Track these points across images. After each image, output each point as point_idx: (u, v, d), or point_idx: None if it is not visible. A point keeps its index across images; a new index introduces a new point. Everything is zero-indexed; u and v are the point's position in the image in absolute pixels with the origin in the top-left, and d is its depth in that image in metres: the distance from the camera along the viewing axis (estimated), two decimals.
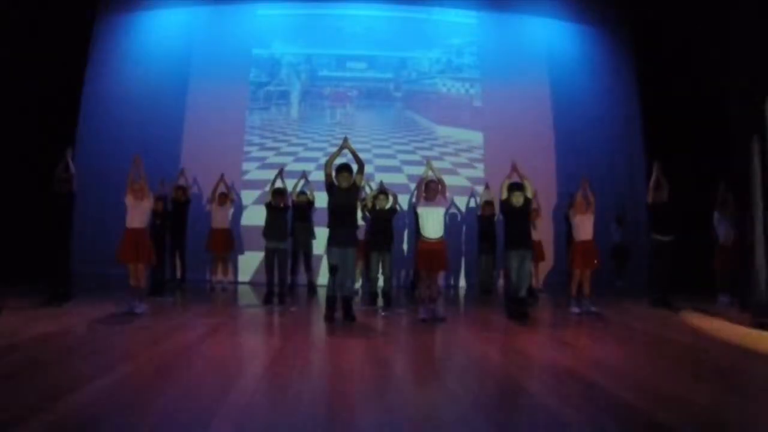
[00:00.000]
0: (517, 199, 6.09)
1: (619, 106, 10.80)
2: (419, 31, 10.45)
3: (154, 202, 6.54)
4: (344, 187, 5.78)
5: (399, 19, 10.43)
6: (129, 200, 5.93)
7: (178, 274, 8.68)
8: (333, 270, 5.61)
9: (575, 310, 6.36)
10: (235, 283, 9.14)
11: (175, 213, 8.00)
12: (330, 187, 5.73)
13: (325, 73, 10.19)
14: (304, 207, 8.35)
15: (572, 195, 6.89)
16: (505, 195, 6.11)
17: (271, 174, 9.08)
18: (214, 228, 8.64)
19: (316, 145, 9.73)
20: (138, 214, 5.90)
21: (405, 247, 9.00)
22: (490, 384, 3.29)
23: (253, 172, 9.66)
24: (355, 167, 5.76)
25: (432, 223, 5.88)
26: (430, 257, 5.82)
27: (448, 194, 5.94)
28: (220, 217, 8.64)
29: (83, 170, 9.38)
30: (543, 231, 9.28)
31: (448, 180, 8.83)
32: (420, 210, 5.98)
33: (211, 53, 10.08)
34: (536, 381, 3.33)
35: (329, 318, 5.67)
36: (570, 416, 2.69)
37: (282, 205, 7.28)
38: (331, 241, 5.67)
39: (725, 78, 8.71)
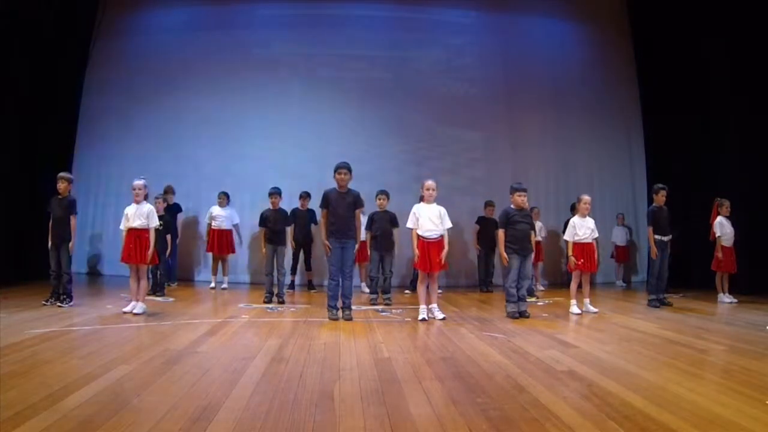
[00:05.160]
0: (522, 200, 6.11)
1: (619, 105, 10.81)
2: (419, 31, 10.43)
3: (155, 203, 6.59)
4: (342, 186, 5.82)
5: (399, 19, 10.41)
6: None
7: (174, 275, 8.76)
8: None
9: (575, 310, 6.37)
10: (235, 283, 9.14)
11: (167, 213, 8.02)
12: (324, 203, 5.85)
13: (325, 73, 10.17)
14: (307, 210, 8.39)
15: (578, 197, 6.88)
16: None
17: (271, 174, 9.13)
18: (214, 229, 8.66)
19: (316, 144, 9.71)
20: (138, 215, 5.89)
21: (405, 246, 8.98)
22: (490, 384, 3.28)
23: (253, 172, 9.65)
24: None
25: (430, 222, 5.87)
26: (429, 257, 5.82)
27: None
28: (220, 219, 8.66)
29: (83, 170, 9.46)
30: (543, 231, 9.31)
31: (449, 180, 8.92)
32: (418, 209, 5.98)
33: (211, 53, 10.07)
34: (536, 381, 3.33)
35: (329, 317, 5.70)
36: (570, 416, 2.69)
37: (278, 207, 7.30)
38: (331, 235, 5.75)
39: (725, 78, 8.74)
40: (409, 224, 6.01)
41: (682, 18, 9.33)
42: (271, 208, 7.24)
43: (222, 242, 8.61)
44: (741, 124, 8.52)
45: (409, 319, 5.84)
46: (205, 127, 9.88)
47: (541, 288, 9.13)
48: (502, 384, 3.29)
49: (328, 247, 5.78)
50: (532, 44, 10.70)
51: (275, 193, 7.30)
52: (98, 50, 10.10)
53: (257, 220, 7.44)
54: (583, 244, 6.54)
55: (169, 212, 8.06)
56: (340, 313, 5.77)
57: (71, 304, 6.11)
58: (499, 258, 6.28)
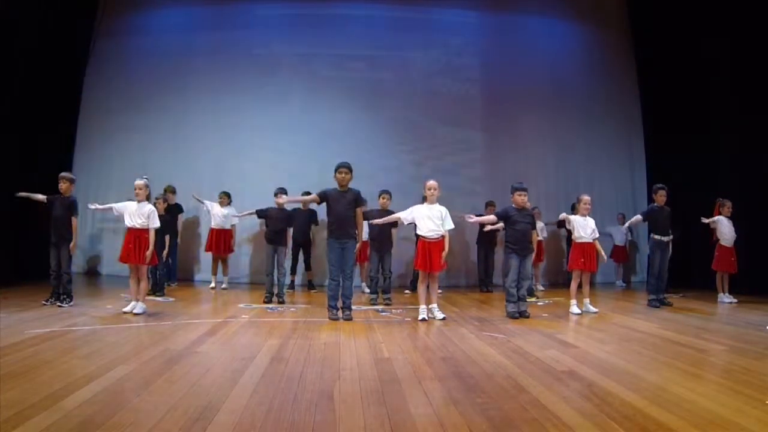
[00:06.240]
0: (522, 199, 6.11)
1: (619, 105, 10.81)
2: (419, 31, 10.43)
3: (156, 202, 6.60)
4: (343, 185, 5.82)
5: (399, 19, 10.40)
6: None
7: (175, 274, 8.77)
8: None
9: (575, 310, 6.36)
10: (235, 283, 9.13)
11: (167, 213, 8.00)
12: (323, 198, 5.83)
13: (325, 73, 10.17)
14: (307, 211, 8.38)
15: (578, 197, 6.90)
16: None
17: (271, 174, 9.13)
18: (213, 229, 8.66)
19: (316, 144, 9.71)
20: (139, 214, 5.88)
21: (405, 246, 8.98)
22: (490, 384, 3.28)
23: (253, 172, 9.64)
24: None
25: (430, 222, 5.87)
26: (429, 257, 5.82)
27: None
28: (221, 218, 8.65)
29: (83, 170, 9.45)
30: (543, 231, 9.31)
31: (449, 180, 8.91)
32: (418, 210, 5.98)
33: (211, 53, 10.07)
34: (536, 381, 3.33)
35: (329, 318, 5.70)
36: (570, 416, 2.69)
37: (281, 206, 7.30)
38: (331, 235, 5.76)
39: (726, 77, 8.74)
40: (402, 214, 6.09)
41: (683, 18, 9.33)
42: (276, 207, 7.26)
43: (221, 242, 8.61)
44: (741, 124, 8.51)
45: (409, 319, 5.85)
46: (206, 127, 9.88)
47: (541, 288, 9.13)
48: (502, 384, 3.29)
49: (284, 201, 6.10)
50: (532, 44, 10.69)
51: (281, 193, 7.30)
52: (98, 50, 10.10)
53: (257, 219, 7.44)
54: (584, 243, 6.54)
55: (170, 212, 8.05)
56: (340, 313, 5.77)
57: (71, 304, 6.11)
58: (499, 258, 6.30)
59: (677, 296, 7.86)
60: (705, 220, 7.55)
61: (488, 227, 6.97)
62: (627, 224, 7.49)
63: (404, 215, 6.08)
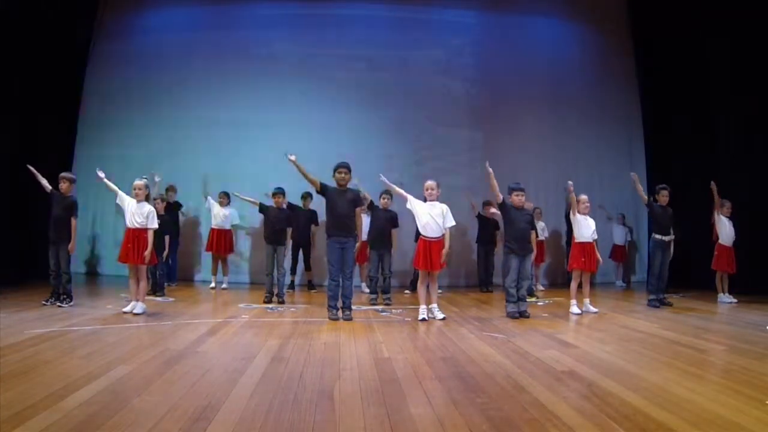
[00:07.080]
0: (520, 200, 6.11)
1: (619, 105, 10.81)
2: (419, 31, 10.43)
3: (155, 202, 6.60)
4: (342, 185, 5.82)
5: (399, 19, 10.40)
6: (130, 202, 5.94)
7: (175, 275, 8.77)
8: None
9: (575, 310, 6.36)
10: (236, 283, 9.13)
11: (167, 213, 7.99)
12: (323, 190, 5.76)
13: (325, 73, 10.16)
14: (308, 210, 8.39)
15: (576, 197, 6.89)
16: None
17: (271, 174, 9.11)
18: (213, 229, 8.66)
19: (316, 144, 9.70)
20: (138, 213, 5.88)
21: (406, 246, 8.97)
22: (490, 384, 3.28)
23: (253, 172, 9.63)
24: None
25: (431, 220, 5.87)
26: (429, 256, 5.82)
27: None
28: (221, 218, 8.65)
29: (83, 170, 9.44)
30: (544, 231, 9.32)
31: (449, 180, 8.91)
32: (420, 205, 5.98)
33: (212, 53, 10.07)
34: (536, 381, 3.33)
35: (329, 318, 5.70)
36: (570, 416, 2.69)
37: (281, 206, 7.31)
38: (330, 235, 5.76)
39: (726, 77, 8.74)
40: (410, 196, 6.03)
41: (683, 17, 9.33)
42: (275, 207, 7.27)
43: (221, 242, 8.61)
44: (741, 124, 8.51)
45: (409, 319, 5.85)
46: (205, 126, 9.87)
47: (541, 288, 9.13)
48: (502, 384, 3.29)
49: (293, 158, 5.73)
50: (532, 44, 10.70)
51: (279, 193, 7.30)
52: (98, 50, 10.09)
53: (257, 219, 7.44)
54: (584, 243, 6.54)
55: (170, 212, 8.04)
56: (340, 313, 5.77)
57: (71, 304, 6.11)
58: (499, 258, 6.32)
59: (677, 296, 7.86)
60: (714, 190, 7.50)
61: (491, 210, 7.06)
62: (637, 184, 7.15)
63: (411, 197, 6.04)
